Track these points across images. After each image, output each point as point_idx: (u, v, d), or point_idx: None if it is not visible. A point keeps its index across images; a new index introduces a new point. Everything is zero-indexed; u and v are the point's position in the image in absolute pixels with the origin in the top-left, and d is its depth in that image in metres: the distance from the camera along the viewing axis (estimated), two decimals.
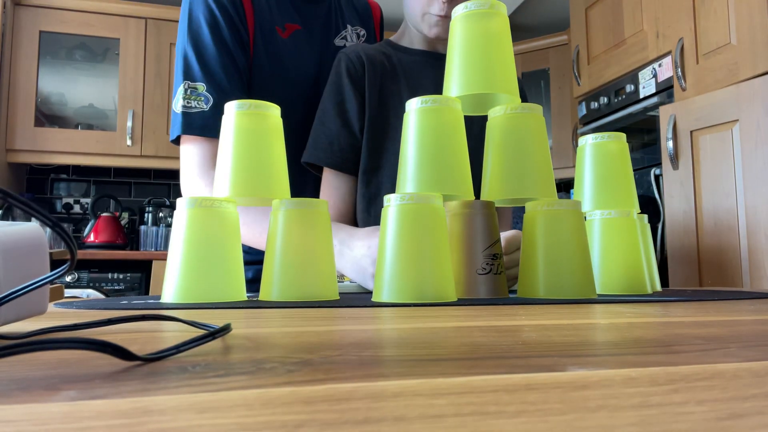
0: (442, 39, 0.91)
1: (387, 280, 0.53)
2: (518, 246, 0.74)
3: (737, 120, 1.52)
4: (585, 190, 0.72)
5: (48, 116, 2.62)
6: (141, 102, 2.57)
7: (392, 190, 0.88)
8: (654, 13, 1.92)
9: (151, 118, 2.58)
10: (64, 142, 2.48)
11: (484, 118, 0.69)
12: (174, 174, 2.85)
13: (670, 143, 1.69)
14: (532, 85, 2.97)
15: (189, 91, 0.85)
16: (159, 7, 2.62)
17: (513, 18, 2.99)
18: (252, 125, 0.58)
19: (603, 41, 2.22)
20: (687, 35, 1.77)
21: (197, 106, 0.84)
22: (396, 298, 0.52)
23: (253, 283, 0.93)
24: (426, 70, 0.99)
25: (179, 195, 2.78)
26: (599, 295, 0.63)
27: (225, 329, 0.27)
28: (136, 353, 0.20)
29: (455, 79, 0.64)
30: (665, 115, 1.74)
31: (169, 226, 2.67)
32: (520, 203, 0.65)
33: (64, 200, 2.75)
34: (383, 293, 0.53)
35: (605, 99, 2.20)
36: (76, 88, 2.71)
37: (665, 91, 1.89)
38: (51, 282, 0.26)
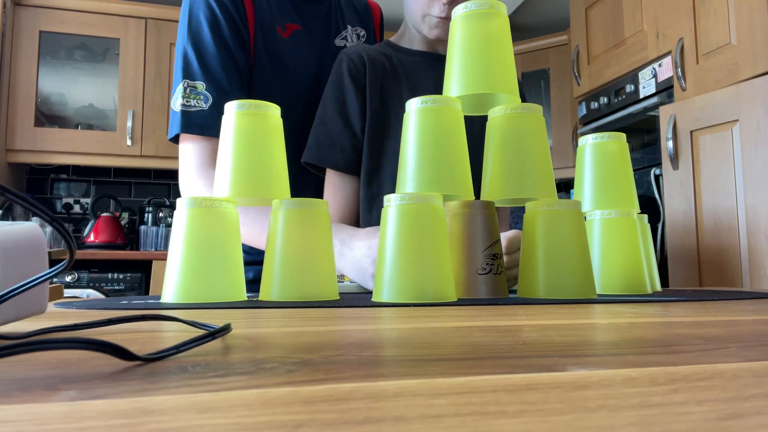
0: (443, 40, 0.91)
1: (387, 280, 0.53)
2: (519, 246, 0.74)
3: (737, 120, 1.52)
4: (585, 190, 0.72)
5: (48, 116, 2.62)
6: (141, 102, 2.57)
7: (393, 190, 0.88)
8: (654, 13, 1.92)
9: (151, 118, 2.58)
10: (64, 142, 2.48)
11: (484, 118, 0.69)
12: (174, 174, 2.85)
13: (670, 143, 1.69)
14: (532, 85, 2.97)
15: (188, 89, 0.85)
16: (159, 7, 2.62)
17: (513, 18, 2.99)
18: (252, 125, 0.58)
19: (603, 41, 2.22)
20: (687, 35, 1.77)
21: (196, 104, 0.84)
22: (396, 298, 0.52)
23: (254, 284, 0.93)
24: (426, 70, 0.99)
25: (179, 195, 2.78)
26: (599, 295, 0.63)
27: (225, 329, 0.27)
28: (136, 353, 0.20)
29: (455, 79, 0.64)
30: (665, 115, 1.74)
31: (169, 226, 2.67)
32: (520, 203, 0.65)
33: (64, 200, 2.75)
34: (383, 293, 0.53)
35: (605, 99, 2.20)
36: (76, 88, 2.71)
37: (665, 91, 1.89)
38: (50, 280, 0.26)
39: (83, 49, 2.69)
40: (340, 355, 0.22)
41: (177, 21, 2.62)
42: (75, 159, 2.52)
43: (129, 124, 2.53)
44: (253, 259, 0.92)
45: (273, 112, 0.60)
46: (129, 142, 2.53)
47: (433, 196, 0.55)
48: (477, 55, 0.63)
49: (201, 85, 0.85)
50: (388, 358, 0.22)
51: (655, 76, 1.93)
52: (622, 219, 0.67)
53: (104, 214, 2.56)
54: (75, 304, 0.51)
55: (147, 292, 2.34)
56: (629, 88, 2.06)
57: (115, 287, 2.31)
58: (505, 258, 0.72)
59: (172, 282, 0.53)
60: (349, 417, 0.14)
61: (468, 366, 0.20)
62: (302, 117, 0.97)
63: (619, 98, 2.12)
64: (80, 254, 2.24)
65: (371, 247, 0.69)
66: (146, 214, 2.69)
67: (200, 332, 0.29)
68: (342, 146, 0.92)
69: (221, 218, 0.55)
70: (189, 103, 0.84)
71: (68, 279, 2.24)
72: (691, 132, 1.65)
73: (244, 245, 0.74)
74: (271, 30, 0.94)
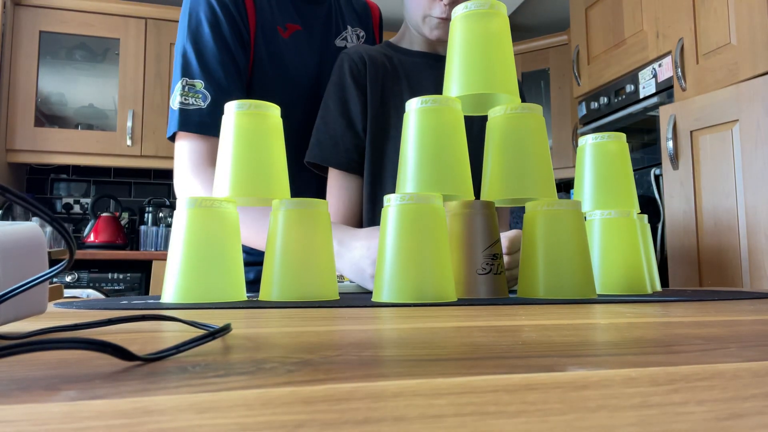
0: (443, 41, 0.91)
1: (387, 280, 0.53)
2: (520, 246, 0.74)
3: (737, 120, 1.52)
4: (585, 190, 0.72)
5: (48, 116, 2.62)
6: (141, 102, 2.57)
7: (394, 191, 0.88)
8: (654, 13, 1.92)
9: (151, 118, 2.58)
10: (64, 142, 2.48)
11: (484, 119, 0.69)
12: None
13: (670, 143, 1.69)
14: (532, 85, 2.97)
15: (187, 88, 0.85)
16: (159, 7, 2.63)
17: (513, 18, 2.99)
18: (252, 125, 0.58)
19: (603, 41, 2.22)
20: (687, 35, 1.77)
21: (195, 103, 0.84)
22: (396, 298, 0.52)
23: (254, 284, 0.93)
24: (426, 71, 1.00)
25: None
26: (599, 295, 0.63)
27: (225, 329, 0.27)
28: (136, 353, 0.20)
29: (455, 79, 0.64)
30: (665, 115, 1.74)
31: (169, 226, 2.67)
32: (520, 203, 0.65)
33: (64, 200, 2.75)
34: (383, 293, 0.53)
35: (605, 99, 2.20)
36: (76, 88, 2.71)
37: (665, 91, 1.89)
38: (50, 280, 0.26)
39: (83, 49, 2.69)
40: (340, 355, 0.22)
41: (177, 21, 2.62)
42: (75, 159, 2.52)
43: (129, 124, 2.53)
44: (254, 259, 0.92)
45: (273, 112, 0.60)
46: (129, 142, 2.53)
47: (433, 196, 0.55)
48: (477, 55, 0.63)
49: (200, 84, 0.85)
50: (388, 358, 0.22)
51: (655, 76, 1.93)
52: (622, 219, 0.67)
53: (104, 214, 2.56)
54: (75, 304, 0.51)
55: (147, 292, 2.34)
56: (629, 88, 2.06)
57: (115, 287, 2.31)
58: (505, 258, 0.72)
59: (172, 282, 0.53)
60: (349, 417, 0.14)
61: (468, 366, 0.20)
62: (302, 117, 0.97)
63: (619, 98, 2.12)
64: (80, 254, 2.24)
65: (370, 248, 0.69)
66: (146, 214, 2.69)
67: (200, 332, 0.29)
68: (345, 145, 0.92)
69: (221, 218, 0.55)
70: (187, 102, 0.84)
71: (68, 279, 2.24)
72: (691, 132, 1.65)
73: (244, 245, 0.73)
74: (272, 30, 0.94)
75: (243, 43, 0.90)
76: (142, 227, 2.65)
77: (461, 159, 0.60)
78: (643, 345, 0.26)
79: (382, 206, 0.93)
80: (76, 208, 2.75)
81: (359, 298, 0.60)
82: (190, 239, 0.54)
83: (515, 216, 2.68)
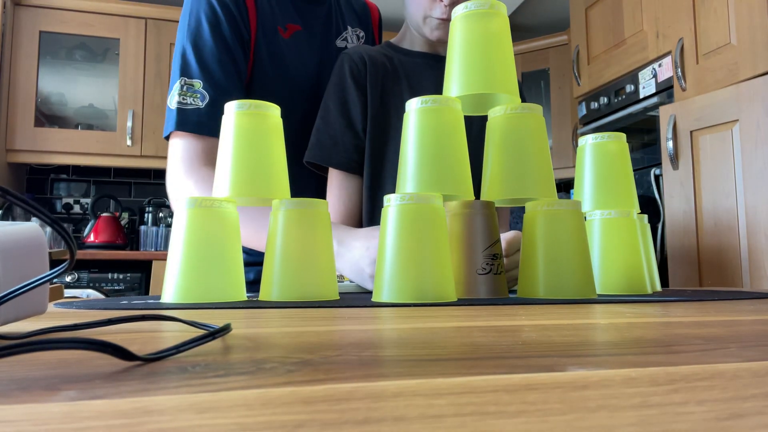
0: (444, 42, 0.91)
1: (387, 280, 0.53)
2: (519, 248, 0.74)
3: (737, 120, 1.52)
4: (585, 190, 0.72)
5: (48, 116, 2.62)
6: (141, 102, 2.57)
7: (394, 191, 0.88)
8: (654, 13, 1.92)
9: (151, 118, 2.58)
10: (64, 142, 2.48)
11: (484, 119, 0.69)
12: None
13: (670, 143, 1.69)
14: (532, 85, 2.97)
15: (185, 87, 0.84)
16: (159, 7, 2.63)
17: (513, 18, 2.99)
18: (252, 125, 0.58)
19: (603, 41, 2.22)
20: (687, 35, 1.77)
21: (193, 102, 0.84)
22: (396, 298, 0.52)
23: (255, 284, 0.93)
24: (427, 71, 1.00)
25: None
26: (599, 295, 0.63)
27: (225, 329, 0.27)
28: (136, 353, 0.20)
29: (455, 79, 0.64)
30: (665, 115, 1.74)
31: (169, 226, 2.67)
32: (520, 203, 0.65)
33: (64, 200, 2.75)
34: (383, 293, 0.53)
35: (605, 99, 2.20)
36: (76, 88, 2.71)
37: (665, 91, 1.89)
38: (50, 281, 0.26)
39: (83, 49, 2.69)
40: (340, 355, 0.22)
41: (177, 21, 2.62)
42: (75, 159, 2.52)
43: (129, 124, 2.53)
44: (254, 259, 0.92)
45: (273, 112, 0.60)
46: (129, 142, 2.53)
47: (433, 196, 0.55)
48: (477, 55, 0.63)
49: (198, 83, 0.85)
50: (388, 358, 0.22)
51: (655, 76, 1.93)
52: (622, 219, 0.67)
53: (104, 214, 2.56)
54: (75, 304, 0.51)
55: (147, 292, 2.34)
56: (629, 88, 2.06)
57: (115, 287, 2.31)
58: (504, 260, 0.72)
59: (172, 282, 0.53)
60: (349, 417, 0.14)
61: (468, 366, 0.20)
62: (302, 117, 0.97)
63: (619, 98, 2.12)
64: (80, 254, 2.24)
65: (369, 248, 0.69)
66: (146, 214, 2.69)
67: (200, 332, 0.29)
68: (345, 145, 0.92)
69: (221, 218, 0.55)
70: (185, 101, 0.84)
71: (68, 279, 2.24)
72: (691, 132, 1.65)
73: (244, 246, 0.73)
74: (273, 30, 0.94)
75: (243, 43, 0.90)
76: (142, 227, 2.65)
77: (461, 159, 0.60)
78: (643, 345, 0.26)
79: (381, 206, 0.93)
80: (76, 209, 2.75)
81: (359, 298, 0.60)
82: (190, 239, 0.54)
83: (515, 216, 2.68)
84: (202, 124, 0.84)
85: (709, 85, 1.67)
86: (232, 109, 0.59)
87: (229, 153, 0.58)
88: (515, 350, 0.24)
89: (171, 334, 0.30)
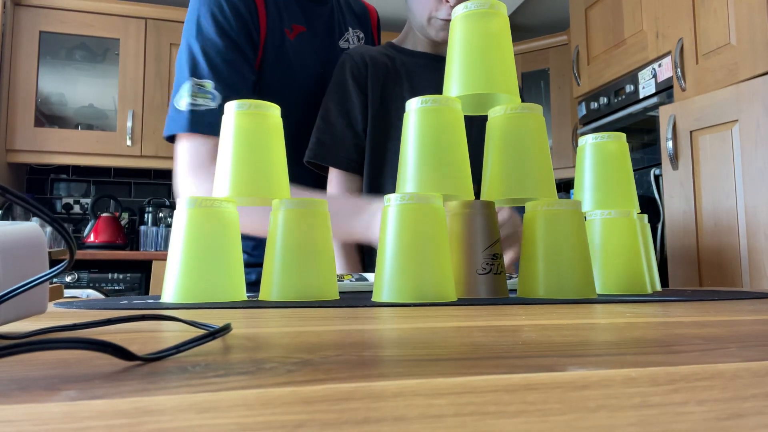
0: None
1: (387, 280, 0.53)
2: (511, 227, 0.75)
3: (737, 120, 1.52)
4: (585, 190, 0.72)
5: (48, 116, 2.62)
6: (141, 102, 2.57)
7: (394, 191, 0.88)
8: (654, 13, 1.92)
9: (151, 118, 2.58)
10: (64, 142, 2.48)
11: (483, 119, 0.69)
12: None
13: (670, 143, 1.69)
14: (532, 85, 2.97)
15: (196, 88, 0.83)
16: (159, 7, 2.62)
17: (513, 18, 2.99)
18: (252, 125, 0.58)
19: (603, 41, 2.22)
20: (687, 35, 1.77)
21: (204, 103, 0.83)
22: (396, 298, 0.52)
23: (255, 285, 0.93)
24: (429, 72, 1.00)
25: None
26: (599, 295, 0.63)
27: (225, 329, 0.27)
28: (136, 353, 0.20)
29: (455, 79, 0.64)
30: (665, 115, 1.74)
31: (169, 226, 2.67)
32: (520, 203, 0.65)
33: (64, 200, 2.75)
34: (383, 293, 0.53)
35: (605, 99, 2.20)
36: (76, 88, 2.71)
37: (665, 91, 1.89)
38: (50, 281, 0.26)
39: (83, 49, 2.69)
40: (340, 355, 0.22)
41: (177, 21, 2.62)
42: (75, 159, 2.52)
43: (129, 124, 2.53)
44: (255, 260, 0.92)
45: (273, 112, 0.60)
46: (129, 142, 2.53)
47: (433, 196, 0.55)
48: (477, 55, 0.63)
49: (209, 84, 0.83)
50: (388, 358, 0.22)
51: (654, 76, 1.93)
52: (622, 219, 0.67)
53: (104, 215, 2.56)
54: (75, 304, 0.51)
55: (147, 292, 2.34)
56: (629, 88, 2.06)
57: (115, 287, 2.31)
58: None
59: (172, 282, 0.53)
60: (349, 417, 0.14)
61: (468, 366, 0.20)
62: (303, 118, 0.97)
63: (619, 98, 2.12)
64: (80, 254, 2.24)
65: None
66: (146, 214, 2.69)
67: (200, 332, 0.29)
68: (345, 145, 0.92)
69: (221, 218, 0.55)
70: (197, 102, 0.83)
71: (68, 279, 2.24)
72: (691, 132, 1.65)
73: (245, 247, 0.73)
74: (280, 32, 0.94)
75: (252, 44, 0.89)
76: (142, 227, 2.65)
77: (461, 159, 0.60)
78: (643, 345, 0.26)
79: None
80: (76, 208, 2.75)
81: (359, 298, 0.60)
82: (190, 239, 0.54)
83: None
84: (216, 125, 0.83)
85: (708, 85, 1.67)
86: (232, 109, 0.59)
87: (229, 153, 0.58)
88: (515, 350, 0.24)
89: (171, 334, 0.30)
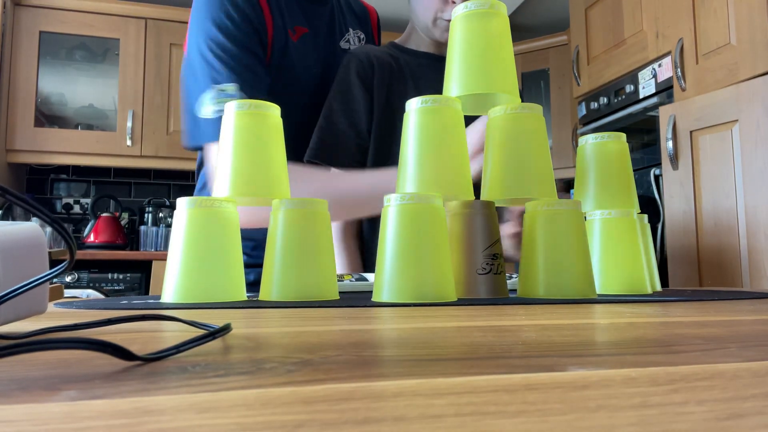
0: None
1: (387, 280, 0.53)
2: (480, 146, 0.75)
3: (737, 120, 1.52)
4: (585, 190, 0.72)
5: (48, 116, 2.62)
6: (141, 102, 2.57)
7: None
8: (654, 13, 1.92)
9: (151, 119, 2.58)
10: (64, 143, 2.48)
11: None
12: (174, 174, 2.85)
13: (670, 143, 1.69)
14: (532, 85, 2.97)
15: (219, 94, 0.81)
16: (159, 7, 2.62)
17: (513, 18, 2.99)
18: (252, 125, 0.58)
19: (603, 41, 2.22)
20: (687, 35, 1.77)
21: None
22: (396, 298, 0.52)
23: (254, 286, 0.93)
24: (433, 73, 1.00)
25: (179, 195, 2.79)
26: (599, 295, 0.63)
27: (225, 329, 0.27)
28: (136, 353, 0.20)
29: (455, 79, 0.64)
30: (665, 115, 1.74)
31: (169, 226, 2.67)
32: (520, 203, 0.65)
33: (64, 200, 2.75)
34: (383, 293, 0.53)
35: (605, 99, 2.20)
36: (76, 88, 2.71)
37: (665, 91, 1.89)
38: (50, 281, 0.26)
39: (83, 49, 2.69)
40: (340, 355, 0.22)
41: (177, 21, 2.62)
42: (75, 159, 2.52)
43: (129, 124, 2.53)
44: (254, 261, 0.92)
45: (273, 112, 0.60)
46: (129, 142, 2.53)
47: (433, 196, 0.55)
48: (477, 55, 0.63)
49: (231, 87, 0.82)
50: (388, 358, 0.22)
51: (654, 76, 1.93)
52: (622, 219, 0.67)
53: (104, 215, 2.56)
54: (75, 304, 0.51)
55: (147, 292, 2.34)
56: (629, 88, 2.06)
57: (115, 287, 2.31)
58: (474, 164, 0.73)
59: (172, 282, 0.53)
60: (349, 417, 0.14)
61: (468, 366, 0.20)
62: (305, 119, 0.97)
63: (619, 98, 2.12)
64: (80, 254, 2.24)
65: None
66: (146, 214, 2.69)
67: (200, 332, 0.29)
68: (347, 145, 0.92)
69: (221, 218, 0.55)
70: (221, 108, 0.80)
71: (68, 279, 2.24)
72: (691, 132, 1.65)
73: (244, 248, 0.72)
74: (284, 34, 0.93)
75: (262, 46, 0.89)
76: (142, 227, 2.65)
77: (461, 159, 0.60)
78: (643, 345, 0.26)
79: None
80: (76, 209, 2.75)
81: (359, 298, 0.60)
82: (190, 239, 0.54)
83: None
84: None
85: (708, 85, 1.67)
86: (232, 109, 0.59)
87: (229, 153, 0.58)
88: (515, 350, 0.24)
89: (171, 334, 0.30)
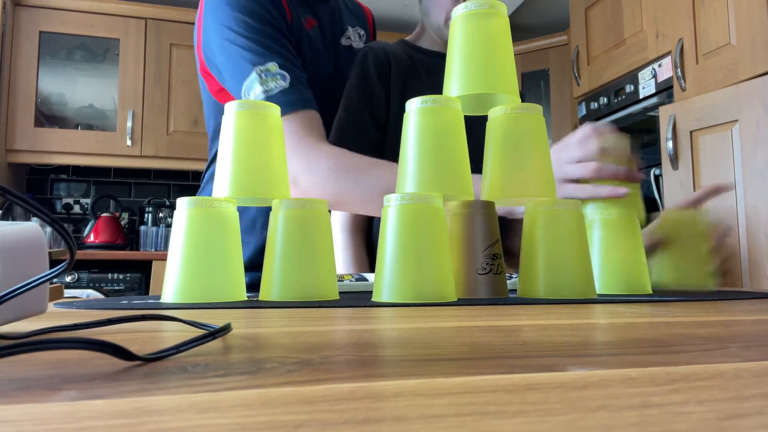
0: None
1: (387, 280, 0.53)
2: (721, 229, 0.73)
3: (737, 120, 1.52)
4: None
5: (48, 116, 2.62)
6: (141, 102, 2.57)
7: None
8: (654, 13, 1.92)
9: (151, 119, 2.58)
10: (64, 143, 2.48)
11: (483, 127, 0.69)
12: (174, 174, 2.85)
13: (670, 143, 1.69)
14: (532, 85, 2.97)
15: (263, 74, 0.80)
16: (159, 7, 2.62)
17: (513, 18, 2.99)
18: (252, 125, 0.58)
19: (603, 41, 2.22)
20: (687, 35, 1.77)
21: (277, 85, 0.80)
22: (396, 298, 0.52)
23: (249, 289, 0.93)
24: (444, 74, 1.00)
25: (179, 195, 2.79)
26: (599, 295, 0.63)
27: (225, 329, 0.27)
28: (136, 353, 0.20)
29: (455, 79, 0.64)
30: (665, 115, 1.74)
31: (169, 226, 2.67)
32: (520, 203, 0.65)
33: (64, 200, 2.75)
34: (383, 293, 0.53)
35: (605, 99, 2.20)
36: (76, 88, 2.71)
37: (665, 91, 1.89)
38: (50, 281, 0.26)
39: (83, 49, 2.69)
40: (340, 355, 0.22)
41: (177, 21, 2.62)
42: (75, 159, 2.52)
43: (129, 124, 2.53)
44: (249, 263, 0.91)
45: (273, 112, 0.60)
46: (129, 143, 2.53)
47: (433, 196, 0.55)
48: (477, 55, 0.63)
49: (273, 66, 0.81)
50: (388, 358, 0.22)
51: (654, 76, 1.93)
52: (622, 219, 0.67)
53: (104, 215, 2.56)
54: (75, 304, 0.51)
55: (147, 292, 2.34)
56: (629, 88, 2.06)
57: (115, 287, 2.31)
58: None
59: (172, 282, 0.53)
60: (349, 417, 0.14)
61: (468, 366, 0.20)
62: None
63: (619, 98, 2.12)
64: (80, 254, 2.24)
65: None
66: (146, 215, 2.69)
67: (200, 332, 0.29)
68: (368, 137, 0.92)
69: (221, 218, 0.55)
70: (269, 87, 0.80)
71: (68, 279, 2.24)
72: (691, 132, 1.65)
73: (244, 250, 0.72)
74: (300, 23, 0.93)
75: (288, 29, 0.89)
76: (142, 227, 2.65)
77: (461, 159, 0.60)
78: (643, 345, 0.26)
79: None
80: (76, 209, 2.75)
81: (359, 298, 0.60)
82: (190, 239, 0.54)
83: None
84: (296, 100, 0.81)
85: (708, 85, 1.67)
86: (232, 109, 0.59)
87: (229, 153, 0.58)
88: (515, 350, 0.24)
89: (171, 334, 0.30)
